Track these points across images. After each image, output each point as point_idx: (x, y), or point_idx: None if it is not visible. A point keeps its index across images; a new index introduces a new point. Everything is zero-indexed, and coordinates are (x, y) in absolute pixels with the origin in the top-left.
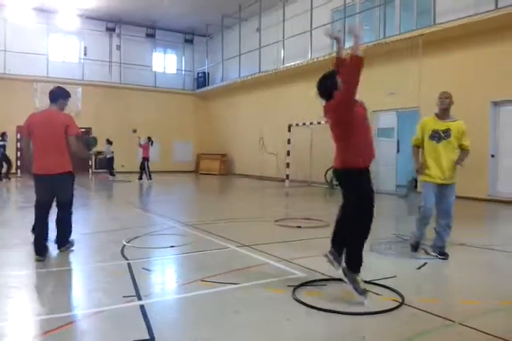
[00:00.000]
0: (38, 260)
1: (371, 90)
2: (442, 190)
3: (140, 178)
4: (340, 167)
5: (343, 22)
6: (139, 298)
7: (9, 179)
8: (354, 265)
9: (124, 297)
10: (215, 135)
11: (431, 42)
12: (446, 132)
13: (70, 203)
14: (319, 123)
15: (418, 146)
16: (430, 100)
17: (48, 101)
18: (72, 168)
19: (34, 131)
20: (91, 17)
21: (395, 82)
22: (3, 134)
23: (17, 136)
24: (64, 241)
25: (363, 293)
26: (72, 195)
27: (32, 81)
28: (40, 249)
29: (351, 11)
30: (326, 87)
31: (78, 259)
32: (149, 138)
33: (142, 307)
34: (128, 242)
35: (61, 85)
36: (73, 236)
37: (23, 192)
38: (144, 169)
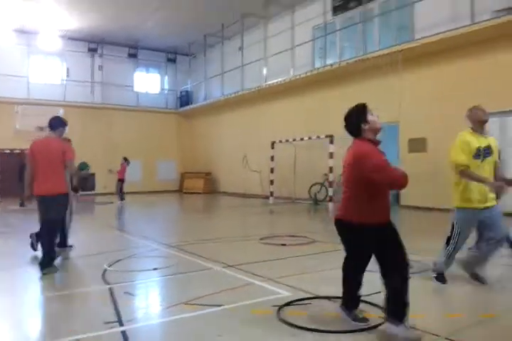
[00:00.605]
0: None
1: (352, 105)
2: (487, 213)
3: (122, 199)
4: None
5: (324, 39)
6: (121, 324)
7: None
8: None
9: (105, 323)
10: (198, 153)
11: (410, 58)
12: (488, 149)
13: (57, 221)
14: (302, 139)
15: (468, 166)
16: (410, 115)
17: (30, 123)
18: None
19: (35, 157)
20: (73, 38)
21: (376, 97)
22: None
23: None
24: (46, 261)
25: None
26: (63, 214)
27: (13, 103)
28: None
29: (332, 28)
30: (352, 125)
31: (58, 285)
32: (125, 159)
33: (124, 333)
34: (110, 266)
35: (43, 107)
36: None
37: (4, 217)
38: (121, 190)
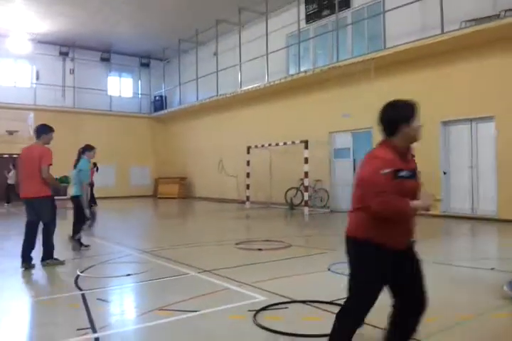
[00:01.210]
0: (22, 267)
1: (326, 112)
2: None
3: (94, 203)
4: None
5: (297, 46)
6: (94, 331)
7: None
8: None
9: (78, 330)
10: (173, 158)
11: (382, 66)
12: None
13: (49, 223)
14: (277, 144)
15: None
16: None
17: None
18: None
19: (20, 162)
20: (43, 41)
21: (349, 104)
22: None
23: None
24: (45, 255)
25: None
26: (51, 217)
27: None
28: (25, 259)
29: (305, 36)
30: (390, 120)
31: (29, 291)
32: (94, 164)
33: (97, 340)
34: (82, 272)
35: (13, 111)
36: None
37: None
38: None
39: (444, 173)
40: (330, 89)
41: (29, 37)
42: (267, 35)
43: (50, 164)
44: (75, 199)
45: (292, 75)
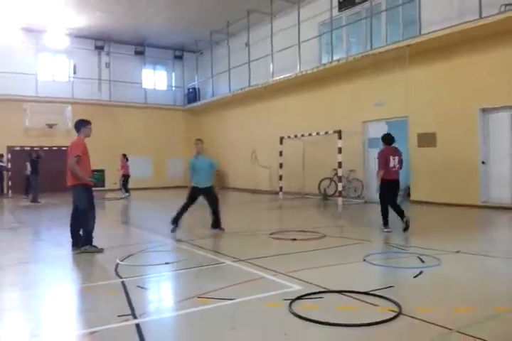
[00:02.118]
0: (72, 250)
1: (360, 101)
2: None
3: (126, 192)
4: None
5: (329, 35)
6: (134, 317)
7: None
8: None
9: (118, 316)
10: (207, 149)
11: (418, 53)
12: None
13: (86, 210)
14: (310, 135)
15: None
16: (419, 110)
17: (39, 120)
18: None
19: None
20: (80, 36)
21: (384, 93)
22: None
23: (7, 156)
24: (83, 241)
25: None
26: (86, 204)
27: (22, 101)
28: (72, 240)
29: (338, 24)
30: None
31: (72, 279)
32: (124, 155)
33: (138, 326)
34: (122, 260)
35: (51, 104)
36: (67, 255)
37: (14, 213)
38: (124, 185)
39: (483, 163)
40: (363, 78)
41: (66, 32)
42: (298, 24)
43: (78, 155)
44: None
45: (325, 64)
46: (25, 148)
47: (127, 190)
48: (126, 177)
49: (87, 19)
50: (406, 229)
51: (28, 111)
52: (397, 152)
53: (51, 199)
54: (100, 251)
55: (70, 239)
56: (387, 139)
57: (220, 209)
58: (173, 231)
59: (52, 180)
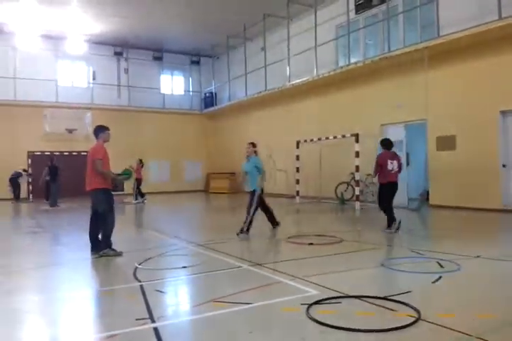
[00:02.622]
0: (92, 254)
1: (378, 104)
2: None
3: (141, 197)
4: None
5: (346, 38)
6: (153, 321)
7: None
8: None
9: (137, 319)
10: (223, 154)
11: (436, 55)
12: None
13: (105, 214)
14: (327, 138)
15: None
16: (438, 112)
17: (59, 126)
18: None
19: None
20: (98, 42)
21: (402, 95)
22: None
23: (28, 161)
24: (102, 245)
25: None
26: (106, 208)
27: (42, 107)
28: (91, 244)
29: (355, 27)
30: None
31: (91, 283)
32: (140, 160)
33: (156, 329)
34: (140, 264)
35: (70, 109)
36: (85, 259)
37: (35, 217)
38: (138, 190)
39: (504, 166)
40: (381, 81)
41: (85, 38)
42: (315, 27)
43: (100, 158)
44: None
45: (342, 67)
46: (45, 153)
47: (142, 195)
48: (138, 181)
49: (106, 25)
50: (397, 229)
51: (48, 117)
52: (396, 156)
53: (70, 203)
54: (119, 254)
55: (89, 243)
56: (387, 144)
57: (251, 215)
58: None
59: (72, 185)
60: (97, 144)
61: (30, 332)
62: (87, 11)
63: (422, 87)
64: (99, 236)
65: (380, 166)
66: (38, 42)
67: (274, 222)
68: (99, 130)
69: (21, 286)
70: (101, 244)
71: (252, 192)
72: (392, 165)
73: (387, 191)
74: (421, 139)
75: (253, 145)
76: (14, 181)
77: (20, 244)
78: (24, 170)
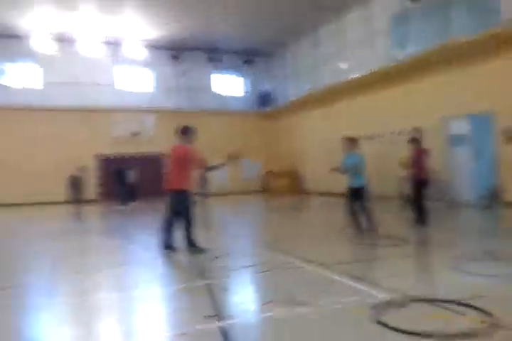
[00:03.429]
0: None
1: (439, 96)
2: None
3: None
4: None
5: (403, 28)
6: (220, 319)
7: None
8: None
9: (205, 317)
10: (282, 153)
11: (499, 42)
12: None
13: (188, 216)
14: (390, 133)
15: None
16: (505, 103)
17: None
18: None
19: (167, 159)
20: (156, 46)
21: (464, 86)
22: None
23: (96, 164)
24: (186, 244)
25: None
26: (186, 208)
27: (107, 111)
28: (162, 243)
29: (412, 16)
30: None
31: (161, 281)
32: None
33: (223, 327)
34: (207, 263)
35: (134, 113)
36: (156, 258)
37: (108, 218)
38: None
39: None
40: (441, 71)
41: (143, 43)
42: (370, 19)
43: (198, 162)
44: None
45: (398, 59)
46: (111, 157)
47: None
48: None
49: (162, 30)
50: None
51: (114, 121)
52: (428, 153)
53: (138, 204)
54: (203, 251)
55: (161, 242)
56: (418, 141)
57: (370, 214)
58: (364, 233)
59: (139, 186)
60: (190, 147)
61: (105, 329)
62: (143, 17)
63: (486, 76)
64: (185, 236)
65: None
66: (99, 49)
67: (361, 227)
68: (191, 131)
69: (97, 285)
70: (186, 243)
71: (356, 189)
72: (427, 161)
73: (422, 188)
74: (487, 132)
75: (351, 140)
76: (73, 184)
77: (95, 244)
78: (82, 169)
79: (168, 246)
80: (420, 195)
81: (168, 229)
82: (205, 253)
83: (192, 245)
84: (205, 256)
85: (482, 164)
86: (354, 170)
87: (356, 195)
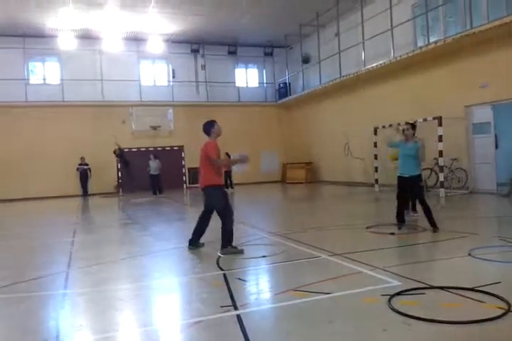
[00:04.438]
0: (189, 248)
1: (461, 84)
2: None
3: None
4: None
5: (424, 17)
6: (235, 308)
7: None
8: None
9: (221, 307)
10: (299, 143)
11: None
12: None
13: (222, 211)
14: (407, 123)
15: None
16: None
17: (144, 123)
18: (212, 182)
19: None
20: (176, 41)
21: (487, 74)
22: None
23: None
24: (222, 243)
25: None
26: (221, 204)
27: (127, 106)
28: (191, 238)
29: (433, 4)
30: None
31: (177, 271)
32: (227, 154)
33: (238, 316)
34: (222, 253)
35: (153, 107)
36: (172, 249)
37: (126, 210)
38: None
39: None
40: (464, 60)
41: (163, 38)
42: (390, 8)
43: (215, 155)
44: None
45: (421, 47)
46: (132, 150)
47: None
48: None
49: (182, 24)
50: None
51: (134, 115)
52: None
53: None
54: (241, 252)
55: (191, 236)
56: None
57: (428, 206)
58: (400, 228)
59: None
60: (210, 141)
61: (123, 318)
62: (164, 12)
63: (510, 64)
64: (222, 234)
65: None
66: (121, 45)
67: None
68: (209, 125)
69: (114, 275)
70: (222, 242)
71: (414, 177)
72: None
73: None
74: (510, 120)
75: (413, 126)
76: (82, 175)
77: (114, 235)
78: (119, 149)
79: (193, 244)
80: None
81: (198, 226)
82: (242, 253)
83: (227, 244)
84: (208, 249)
85: (504, 152)
86: (415, 157)
87: (414, 183)
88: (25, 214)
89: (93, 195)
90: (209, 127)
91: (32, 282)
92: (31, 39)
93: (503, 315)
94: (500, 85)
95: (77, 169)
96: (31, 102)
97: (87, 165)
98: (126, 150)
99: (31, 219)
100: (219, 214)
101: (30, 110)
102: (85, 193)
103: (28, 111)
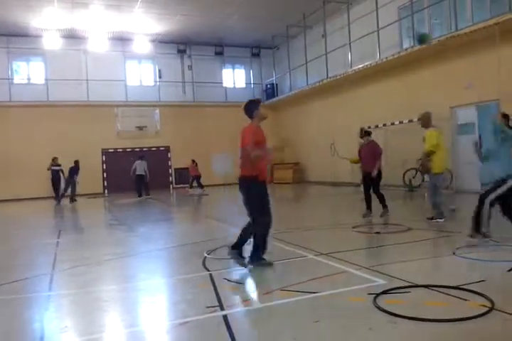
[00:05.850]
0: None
1: (446, 86)
2: None
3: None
4: None
5: (410, 19)
6: (222, 308)
7: (75, 200)
8: None
9: (207, 307)
10: (287, 144)
11: (508, 30)
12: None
13: (254, 216)
14: (393, 124)
15: None
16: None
17: (130, 124)
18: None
19: None
20: (162, 41)
21: (472, 75)
22: (55, 159)
23: (102, 157)
24: (252, 255)
25: None
26: (254, 207)
27: (113, 106)
28: (234, 251)
29: (419, 7)
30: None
31: (163, 272)
32: (193, 161)
33: (225, 317)
34: (208, 254)
35: (139, 108)
36: (158, 250)
37: (112, 211)
38: (198, 184)
39: None
40: (449, 61)
41: (149, 38)
42: (377, 10)
43: (253, 142)
44: None
45: (406, 49)
46: (118, 150)
47: (201, 187)
48: (197, 177)
49: (168, 25)
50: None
51: (119, 115)
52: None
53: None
54: (270, 264)
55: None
56: (370, 133)
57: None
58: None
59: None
60: (250, 126)
61: (109, 320)
62: (150, 12)
63: (494, 65)
64: (251, 239)
65: (380, 155)
66: (106, 45)
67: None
68: (253, 105)
69: (99, 277)
70: (251, 252)
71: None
72: None
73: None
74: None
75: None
76: (54, 177)
77: (98, 236)
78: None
79: (235, 251)
80: (379, 185)
81: (245, 230)
82: (271, 266)
83: (256, 254)
84: (195, 250)
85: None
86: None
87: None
88: (8, 215)
89: (74, 196)
90: (253, 108)
91: (16, 284)
92: (15, 38)
93: (487, 312)
94: (485, 86)
95: (49, 169)
96: (15, 102)
97: (59, 166)
98: (112, 150)
99: (15, 221)
100: (250, 216)
101: (14, 110)
102: (57, 196)
103: (12, 111)
